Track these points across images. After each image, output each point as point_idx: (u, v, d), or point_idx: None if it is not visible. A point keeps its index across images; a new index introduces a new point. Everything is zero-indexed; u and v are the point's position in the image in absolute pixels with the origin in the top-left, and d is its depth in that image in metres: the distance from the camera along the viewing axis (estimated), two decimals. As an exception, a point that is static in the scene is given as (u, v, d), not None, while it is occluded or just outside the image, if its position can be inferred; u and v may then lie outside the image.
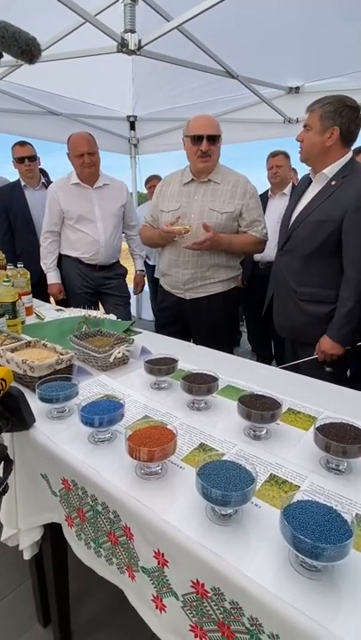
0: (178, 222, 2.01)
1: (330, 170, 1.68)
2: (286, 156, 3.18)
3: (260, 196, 3.25)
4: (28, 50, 0.78)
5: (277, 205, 3.10)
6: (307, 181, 1.84)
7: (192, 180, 2.06)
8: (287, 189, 3.20)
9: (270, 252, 3.01)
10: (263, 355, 3.63)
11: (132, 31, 2.24)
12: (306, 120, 1.70)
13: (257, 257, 3.18)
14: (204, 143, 1.92)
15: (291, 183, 3.24)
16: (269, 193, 3.24)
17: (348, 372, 2.21)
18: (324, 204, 1.67)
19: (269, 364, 3.16)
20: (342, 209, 1.60)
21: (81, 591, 1.51)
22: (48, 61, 2.58)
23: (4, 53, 0.79)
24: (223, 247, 2.00)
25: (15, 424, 1.00)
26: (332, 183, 1.67)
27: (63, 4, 1.98)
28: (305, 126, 1.70)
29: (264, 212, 3.13)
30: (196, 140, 1.94)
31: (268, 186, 3.35)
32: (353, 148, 1.73)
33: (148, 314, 5.33)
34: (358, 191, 1.59)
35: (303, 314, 1.79)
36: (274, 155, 3.17)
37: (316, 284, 1.73)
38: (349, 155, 1.68)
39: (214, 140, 1.94)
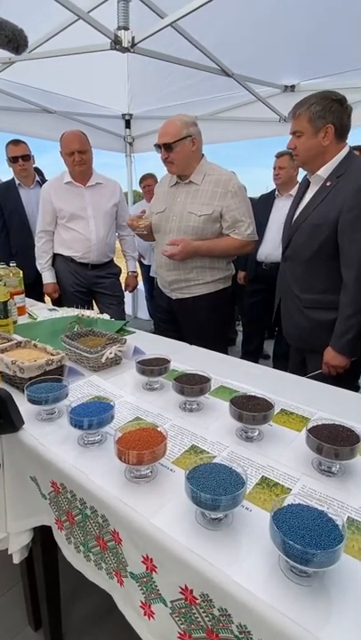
0: (144, 216, 2.02)
1: (324, 170, 1.62)
2: (292, 157, 3.10)
3: (267, 195, 3.26)
4: (14, 39, 0.79)
5: (283, 206, 3.02)
6: (305, 183, 1.78)
7: (177, 182, 2.04)
8: (294, 190, 3.12)
9: (275, 252, 2.93)
10: (248, 350, 3.57)
11: (126, 28, 2.22)
12: (293, 127, 1.63)
13: (261, 257, 3.13)
14: (162, 151, 1.94)
15: (298, 184, 3.19)
16: (276, 193, 3.18)
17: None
18: (319, 207, 1.62)
19: (255, 360, 3.13)
20: (337, 210, 1.55)
21: (72, 594, 1.49)
22: (42, 58, 2.55)
23: None
24: (202, 254, 1.97)
25: (3, 426, 0.99)
26: (327, 184, 1.61)
27: (56, 0, 1.96)
28: (294, 133, 1.63)
29: (270, 211, 3.12)
30: (158, 147, 1.96)
31: (265, 184, 3.33)
32: (353, 145, 1.66)
33: (144, 313, 5.31)
34: (352, 190, 1.52)
35: (309, 321, 1.73)
36: (279, 155, 3.10)
37: (320, 289, 1.67)
38: (345, 150, 1.61)
39: (171, 147, 1.90)
